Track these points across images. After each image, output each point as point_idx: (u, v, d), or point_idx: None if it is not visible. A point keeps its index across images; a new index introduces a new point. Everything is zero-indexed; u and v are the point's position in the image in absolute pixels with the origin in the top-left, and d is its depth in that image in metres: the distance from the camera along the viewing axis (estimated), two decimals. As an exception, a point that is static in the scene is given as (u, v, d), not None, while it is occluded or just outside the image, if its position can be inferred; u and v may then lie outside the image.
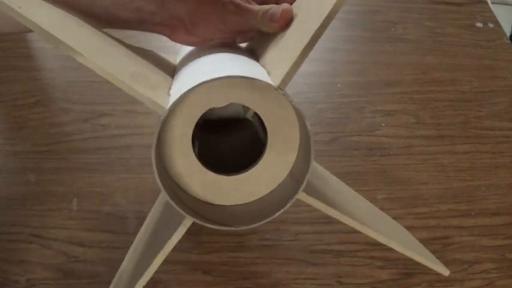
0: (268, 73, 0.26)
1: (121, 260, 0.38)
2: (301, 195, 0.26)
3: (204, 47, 0.32)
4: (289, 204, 0.27)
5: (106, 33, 0.29)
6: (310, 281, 0.43)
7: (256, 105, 0.26)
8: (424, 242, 0.44)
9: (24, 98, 0.56)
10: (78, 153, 0.51)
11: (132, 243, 0.44)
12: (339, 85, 0.60)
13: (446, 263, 0.45)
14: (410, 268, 0.45)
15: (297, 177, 0.27)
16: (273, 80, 0.24)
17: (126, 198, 0.47)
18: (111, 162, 0.50)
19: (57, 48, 0.22)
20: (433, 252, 0.43)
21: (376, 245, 0.46)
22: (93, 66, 0.22)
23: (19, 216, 0.46)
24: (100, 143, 0.52)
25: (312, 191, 0.27)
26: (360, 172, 0.52)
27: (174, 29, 0.30)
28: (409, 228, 0.45)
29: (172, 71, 0.32)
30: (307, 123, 0.24)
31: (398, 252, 0.44)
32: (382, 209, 0.42)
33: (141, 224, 0.46)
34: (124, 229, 0.45)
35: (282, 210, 0.27)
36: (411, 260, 0.45)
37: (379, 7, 0.71)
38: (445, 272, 0.34)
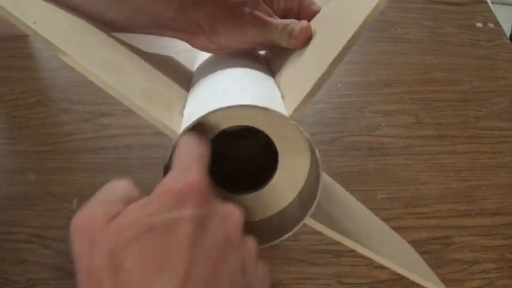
0: (282, 97, 0.25)
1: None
2: (309, 221, 0.26)
3: (222, 56, 0.32)
4: (295, 229, 0.26)
5: (120, 41, 0.28)
6: (310, 281, 0.43)
7: (268, 129, 0.25)
8: (424, 242, 0.44)
9: (24, 98, 0.56)
10: (78, 153, 0.51)
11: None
12: (339, 85, 0.60)
13: (446, 263, 0.45)
14: (410, 268, 0.45)
15: (305, 200, 0.27)
16: (286, 107, 0.24)
17: (126, 198, 0.47)
18: (111, 162, 0.50)
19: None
20: (433, 252, 0.43)
21: (376, 245, 0.46)
22: (102, 84, 0.22)
23: (19, 216, 0.46)
24: (100, 143, 0.52)
25: (320, 214, 0.27)
26: (360, 172, 0.52)
27: (193, 35, 0.29)
28: (409, 228, 0.45)
29: (188, 79, 0.32)
30: (317, 151, 0.24)
31: (398, 252, 0.43)
32: (382, 209, 0.42)
33: (141, 224, 0.46)
34: (124, 229, 0.45)
35: (288, 235, 0.27)
36: (411, 260, 0.45)
37: (379, 7, 0.71)
38: None
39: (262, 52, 0.35)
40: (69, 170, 0.49)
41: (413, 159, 0.53)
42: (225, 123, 0.25)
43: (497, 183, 0.52)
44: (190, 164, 0.21)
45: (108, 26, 0.28)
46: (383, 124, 0.56)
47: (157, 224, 0.18)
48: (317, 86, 0.23)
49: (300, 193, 0.28)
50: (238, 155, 0.36)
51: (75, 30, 0.25)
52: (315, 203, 0.25)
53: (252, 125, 0.25)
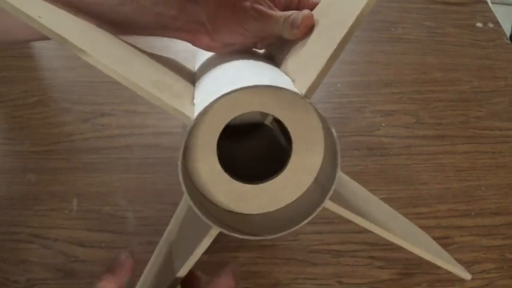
0: (293, 81, 0.25)
1: (121, 260, 0.38)
2: (328, 204, 0.26)
3: (225, 53, 0.31)
4: (315, 213, 0.26)
5: (125, 41, 0.29)
6: (310, 281, 0.43)
7: (280, 113, 0.25)
8: (424, 242, 0.44)
9: (24, 98, 0.56)
10: (78, 153, 0.51)
11: (132, 243, 0.44)
12: (339, 85, 0.60)
13: (446, 263, 0.45)
14: (410, 268, 0.45)
15: (322, 184, 0.26)
16: (299, 88, 0.24)
17: (126, 198, 0.47)
18: (111, 162, 0.50)
19: (79, 56, 0.22)
20: (433, 252, 0.43)
21: (375, 245, 0.46)
22: (116, 75, 0.22)
23: (19, 216, 0.46)
24: (100, 143, 0.52)
25: (338, 199, 0.27)
26: (360, 172, 0.52)
27: (195, 34, 0.29)
28: (409, 228, 0.45)
29: (191, 78, 0.32)
30: (333, 130, 0.24)
31: (398, 252, 0.44)
32: (382, 209, 0.42)
33: (141, 224, 0.46)
34: (124, 229, 0.45)
35: (308, 219, 0.26)
36: (411, 260, 0.45)
37: (379, 7, 0.71)
38: (467, 276, 0.33)
39: (262, 50, 0.35)
40: (69, 170, 0.49)
41: (413, 159, 0.53)
42: (237, 109, 0.25)
43: (497, 183, 0.52)
44: None
45: (111, 28, 0.28)
46: (383, 124, 0.56)
47: None
48: (329, 62, 0.23)
49: (317, 178, 0.27)
50: (247, 155, 0.35)
51: (81, 29, 0.25)
52: (335, 183, 0.25)
53: (264, 110, 0.25)
